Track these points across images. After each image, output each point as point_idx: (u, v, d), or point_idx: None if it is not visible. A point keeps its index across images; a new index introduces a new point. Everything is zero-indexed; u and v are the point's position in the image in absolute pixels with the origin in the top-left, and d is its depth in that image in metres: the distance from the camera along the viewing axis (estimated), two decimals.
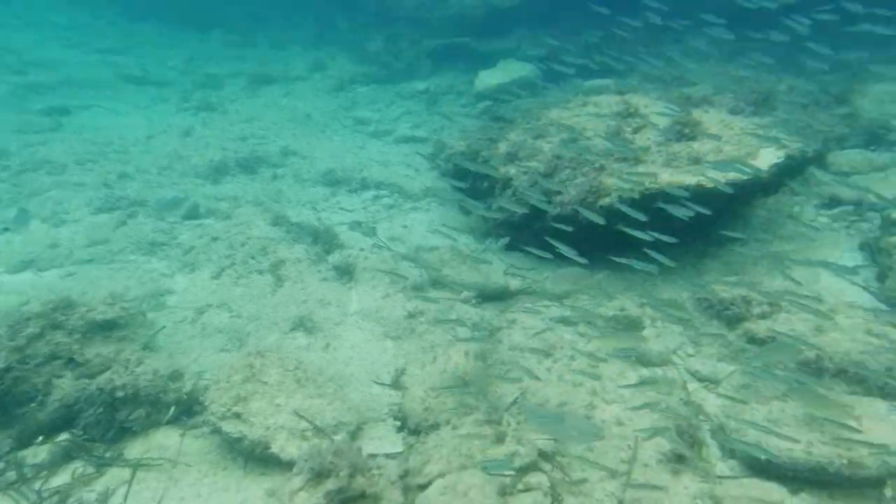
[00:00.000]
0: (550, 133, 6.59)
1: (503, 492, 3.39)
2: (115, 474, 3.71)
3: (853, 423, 3.31)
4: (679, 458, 3.47)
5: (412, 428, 4.08)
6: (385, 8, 15.01)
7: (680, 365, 4.44)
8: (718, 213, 5.11)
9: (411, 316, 5.34)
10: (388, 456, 3.81)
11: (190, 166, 8.88)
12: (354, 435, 4.00)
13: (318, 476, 3.27)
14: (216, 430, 3.87)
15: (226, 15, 18.21)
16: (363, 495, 3.27)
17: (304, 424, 3.88)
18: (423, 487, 3.45)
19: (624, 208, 4.44)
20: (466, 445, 3.65)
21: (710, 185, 4.76)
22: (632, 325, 4.86)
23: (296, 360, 4.45)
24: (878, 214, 5.97)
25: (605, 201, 5.37)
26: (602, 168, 5.62)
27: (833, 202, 6.42)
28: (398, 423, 4.18)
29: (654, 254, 4.35)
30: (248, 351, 4.57)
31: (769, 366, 4.07)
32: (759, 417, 3.55)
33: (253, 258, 6.34)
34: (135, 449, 3.88)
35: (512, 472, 3.46)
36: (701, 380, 4.25)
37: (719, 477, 3.41)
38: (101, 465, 3.73)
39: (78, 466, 3.75)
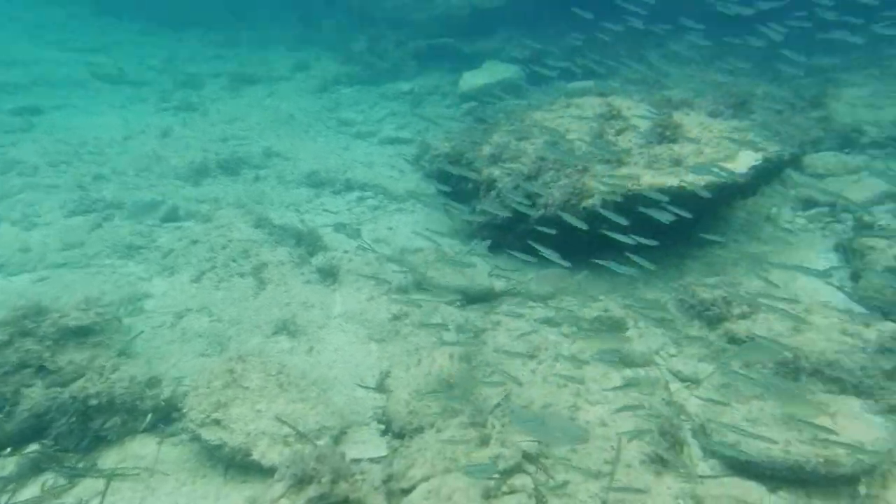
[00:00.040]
0: (534, 135, 6.61)
1: (487, 495, 3.38)
2: (89, 485, 3.60)
3: (828, 422, 3.37)
4: (661, 459, 3.50)
5: (396, 431, 4.05)
6: (369, 8, 14.97)
7: (662, 365, 4.48)
8: (699, 215, 5.19)
9: (396, 318, 5.31)
10: (371, 460, 3.78)
11: (169, 168, 8.71)
12: (338, 439, 3.96)
13: (300, 482, 3.22)
14: (195, 438, 3.79)
15: (206, 14, 17.97)
16: (346, 501, 3.23)
17: (286, 430, 3.82)
18: (406, 492, 3.43)
19: (606, 213, 4.47)
20: (451, 449, 3.63)
21: (690, 188, 4.82)
22: (615, 326, 4.89)
23: (278, 364, 4.40)
24: (851, 216, 6.12)
25: (589, 203, 5.40)
26: (585, 170, 5.66)
27: (809, 204, 6.56)
28: (382, 427, 4.15)
29: (634, 257, 4.40)
30: (228, 356, 4.49)
31: (748, 365, 4.13)
32: (738, 417, 3.60)
33: (234, 261, 6.23)
34: (110, 458, 3.78)
35: (496, 475, 3.45)
36: (683, 380, 4.30)
37: (701, 477, 3.45)
38: (73, 477, 3.62)
39: (48, 478, 3.63)
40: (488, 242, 6.31)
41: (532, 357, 4.59)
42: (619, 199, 5.02)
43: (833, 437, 3.24)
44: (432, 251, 6.17)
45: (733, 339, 4.46)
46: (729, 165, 5.34)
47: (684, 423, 3.87)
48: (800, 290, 4.99)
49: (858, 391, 3.72)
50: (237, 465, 3.71)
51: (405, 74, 13.09)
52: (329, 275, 6.00)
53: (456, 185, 6.89)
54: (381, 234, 6.96)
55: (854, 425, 3.40)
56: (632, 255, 4.40)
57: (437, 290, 5.67)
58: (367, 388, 4.51)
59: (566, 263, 4.56)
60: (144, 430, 3.94)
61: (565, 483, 3.40)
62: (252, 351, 4.85)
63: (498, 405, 4.13)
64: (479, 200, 6.56)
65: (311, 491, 3.17)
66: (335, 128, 10.92)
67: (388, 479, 3.49)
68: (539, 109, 7.30)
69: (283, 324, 5.21)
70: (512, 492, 3.39)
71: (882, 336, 4.06)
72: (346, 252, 6.30)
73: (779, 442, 3.34)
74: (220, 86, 13.29)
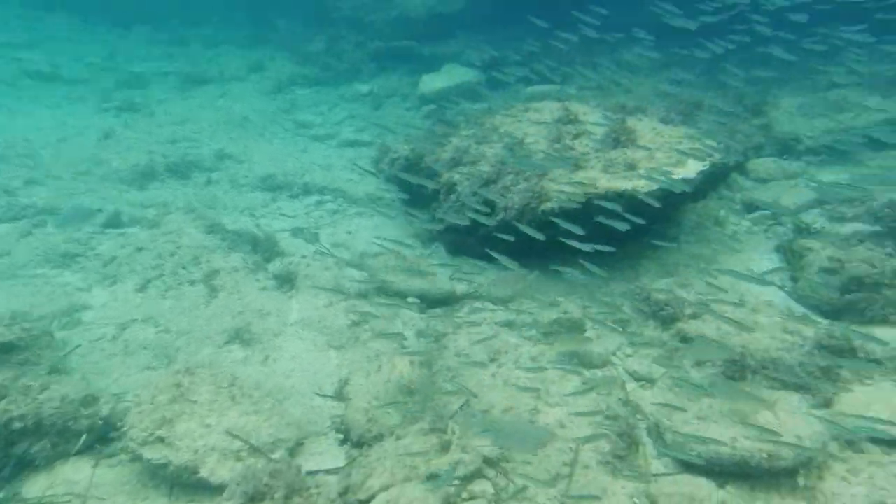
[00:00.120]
0: (494, 139, 6.65)
1: (447, 501, 3.32)
2: None
3: (770, 417, 3.52)
4: (618, 459, 3.56)
5: (355, 440, 3.96)
6: (326, 9, 14.73)
7: (619, 365, 4.57)
8: (653, 219, 5.34)
9: (355, 324, 5.19)
10: (328, 472, 3.68)
11: (111, 171, 8.22)
12: (294, 451, 3.83)
13: (252, 500, 3.08)
14: (136, 458, 3.55)
15: (151, 10, 17.15)
16: None
17: (238, 444, 3.64)
18: (364, 503, 3.32)
19: (562, 223, 4.54)
20: (411, 456, 3.56)
21: (643, 196, 4.95)
22: (574, 328, 4.96)
23: (230, 376, 4.22)
24: (791, 219, 6.47)
25: (548, 206, 5.47)
26: (544, 174, 5.73)
27: (753, 207, 6.90)
28: (341, 436, 4.05)
29: (587, 265, 4.49)
30: (176, 368, 4.26)
31: (699, 363, 4.27)
32: (690, 415, 3.70)
33: (184, 268, 5.93)
34: (37, 485, 3.49)
35: (456, 482, 3.40)
36: (638, 379, 4.40)
37: (654, 475, 3.52)
38: None
39: None
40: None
41: (493, 360, 4.57)
42: (576, 205, 5.10)
43: (774, 435, 3.38)
44: (393, 255, 6.09)
45: (685, 339, 4.61)
46: (679, 170, 5.53)
47: (640, 423, 3.95)
48: (746, 290, 5.22)
49: (798, 387, 3.91)
50: (183, 484, 3.51)
51: (364, 76, 12.94)
52: (286, 281, 5.83)
53: (416, 188, 6.84)
54: (340, 238, 6.82)
55: (793, 420, 3.57)
56: (585, 263, 4.49)
57: (398, 295, 5.59)
58: (325, 396, 4.39)
59: (523, 270, 4.59)
60: (78, 453, 3.66)
61: (525, 487, 3.39)
62: (202, 362, 4.62)
63: (459, 410, 4.09)
64: (439, 204, 6.54)
65: None
66: (292, 130, 10.64)
67: (344, 492, 3.39)
68: (498, 113, 7.35)
69: (236, 333, 5.01)
70: (472, 498, 3.35)
71: (819, 334, 4.29)
72: (304, 257, 6.13)
73: (727, 440, 3.46)
74: (167, 86, 12.72)
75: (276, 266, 6.00)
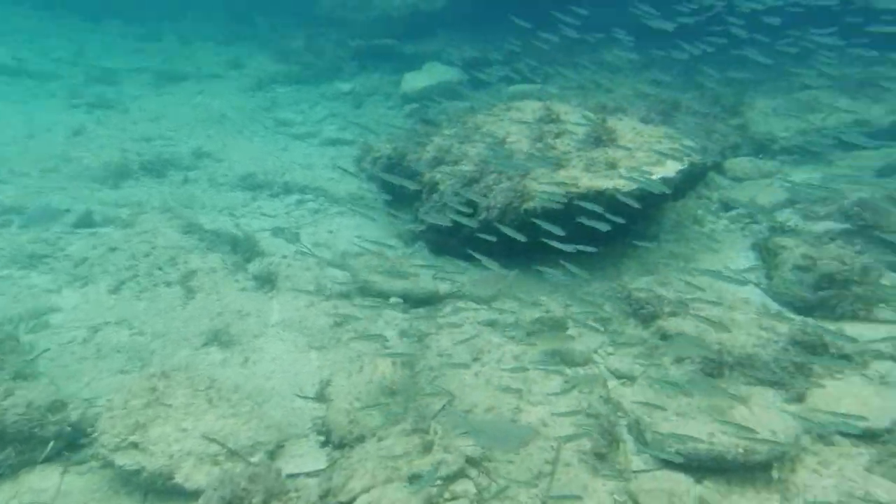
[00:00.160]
0: (476, 138, 6.64)
1: (429, 502, 3.30)
2: None
3: (745, 412, 3.58)
4: (599, 456, 3.58)
5: (337, 442, 3.92)
6: (306, 7, 14.55)
7: (601, 363, 4.61)
8: (634, 219, 5.39)
9: (337, 325, 5.13)
10: (309, 474, 3.62)
11: (82, 168, 7.97)
12: (273, 454, 3.77)
13: None
14: (108, 464, 3.45)
15: (122, 3, 16.64)
16: None
17: (215, 448, 3.56)
18: None
19: (542, 224, 4.57)
20: (392, 457, 3.53)
21: (622, 197, 4.98)
22: (557, 327, 4.98)
23: (208, 378, 4.14)
24: (767, 217, 6.61)
25: (530, 205, 5.48)
26: (526, 173, 5.74)
27: (730, 206, 7.04)
28: (322, 438, 4.00)
29: (568, 265, 4.54)
30: (150, 371, 4.16)
31: (679, 360, 4.33)
32: (669, 412, 3.74)
33: (160, 269, 5.78)
34: (1, 494, 3.36)
35: (439, 483, 3.38)
36: (619, 377, 4.44)
37: (634, 472, 3.56)
38: None
39: None
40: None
41: (475, 360, 4.57)
42: (558, 205, 5.12)
43: (750, 431, 3.45)
44: (375, 255, 6.04)
45: (665, 336, 4.66)
46: (659, 170, 5.60)
47: (620, 420, 3.98)
48: (723, 288, 5.31)
49: (772, 382, 3.99)
50: (158, 490, 3.42)
51: (345, 74, 12.82)
52: (266, 281, 5.74)
53: (398, 188, 6.79)
54: (321, 238, 6.73)
55: (768, 414, 3.64)
56: (566, 264, 4.54)
57: (380, 295, 5.55)
58: (306, 398, 4.34)
59: (503, 270, 4.61)
60: (46, 460, 3.53)
61: (507, 487, 3.39)
62: (178, 365, 4.52)
63: (441, 410, 4.07)
64: (421, 203, 6.50)
65: None
66: (272, 128, 10.47)
67: (325, 494, 3.34)
68: (480, 112, 7.35)
69: (214, 334, 4.91)
70: (454, 498, 3.34)
71: (793, 330, 4.39)
72: (284, 257, 6.05)
73: (704, 436, 3.51)
74: (141, 82, 12.39)
75: (256, 266, 5.90)
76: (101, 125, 9.75)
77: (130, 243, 6.17)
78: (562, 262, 4.56)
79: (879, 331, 4.55)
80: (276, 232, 6.79)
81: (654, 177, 5.50)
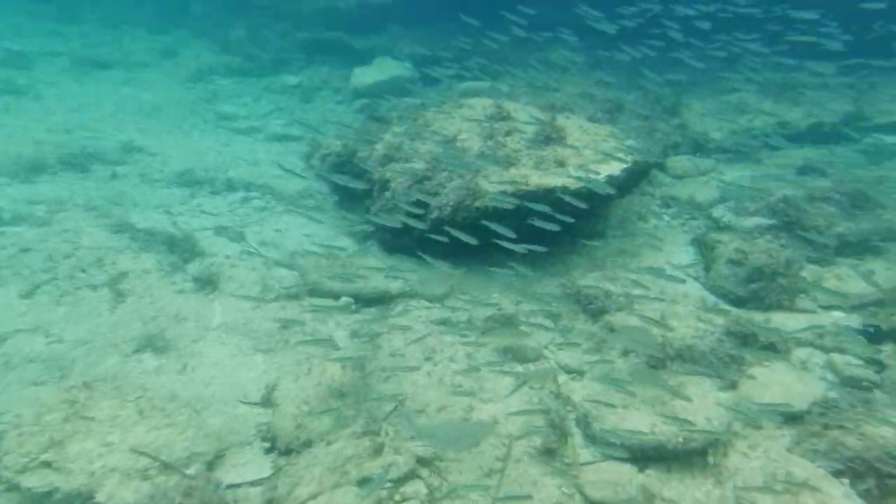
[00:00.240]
0: (427, 135, 6.59)
1: None
2: None
3: (685, 402, 3.76)
4: (549, 451, 3.66)
5: (283, 448, 3.79)
6: None
7: (551, 359, 4.69)
8: (583, 216, 5.52)
9: (285, 327, 4.95)
10: (252, 483, 3.49)
11: None
12: (212, 465, 3.59)
13: None
14: (13, 487, 3.16)
15: None
16: None
17: (146, 462, 3.33)
18: None
19: (493, 225, 4.61)
20: (341, 461, 3.45)
21: (570, 198, 5.09)
22: (508, 323, 5.03)
23: (139, 387, 3.92)
24: (704, 213, 6.98)
25: (482, 203, 5.49)
26: (478, 171, 5.75)
27: (671, 202, 7.37)
28: (267, 445, 3.86)
29: (517, 266, 4.64)
30: (70, 383, 3.85)
31: (626, 352, 4.48)
32: (615, 405, 3.86)
33: (83, 271, 5.37)
34: None
35: (389, 485, 3.34)
36: (569, 372, 4.54)
37: (582, 464, 3.66)
38: None
39: None
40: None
41: (428, 359, 4.53)
42: (509, 205, 5.16)
43: (688, 421, 3.63)
44: (326, 254, 5.88)
45: (613, 331, 4.81)
46: (605, 168, 5.77)
47: (570, 414, 4.08)
48: (666, 283, 5.54)
49: (709, 372, 4.21)
50: None
51: (292, 67, 12.40)
52: (207, 283, 5.47)
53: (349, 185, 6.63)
54: (268, 237, 6.47)
55: (704, 403, 3.84)
56: (515, 265, 4.62)
57: (330, 295, 5.41)
58: (250, 403, 4.16)
59: (450, 268, 4.61)
60: None
61: (458, 486, 3.39)
62: (104, 375, 4.23)
63: (393, 410, 4.01)
64: (373, 201, 6.39)
65: None
66: (213, 122, 9.96)
67: (269, 503, 3.21)
68: (431, 109, 7.30)
69: (147, 340, 4.63)
70: (404, 500, 3.31)
71: (727, 322, 4.65)
72: (227, 257, 5.78)
73: (647, 428, 3.66)
74: (58, 68, 11.43)
75: (196, 267, 5.62)
76: (11, 113, 8.92)
77: (47, 243, 5.69)
78: (511, 263, 4.64)
79: (800, 320, 4.91)
80: (219, 231, 6.47)
81: (600, 175, 5.67)
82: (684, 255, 6.25)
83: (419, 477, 3.49)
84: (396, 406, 4.05)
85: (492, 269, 4.73)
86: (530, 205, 4.88)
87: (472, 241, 4.57)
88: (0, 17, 13.64)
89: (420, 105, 8.01)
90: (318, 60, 12.46)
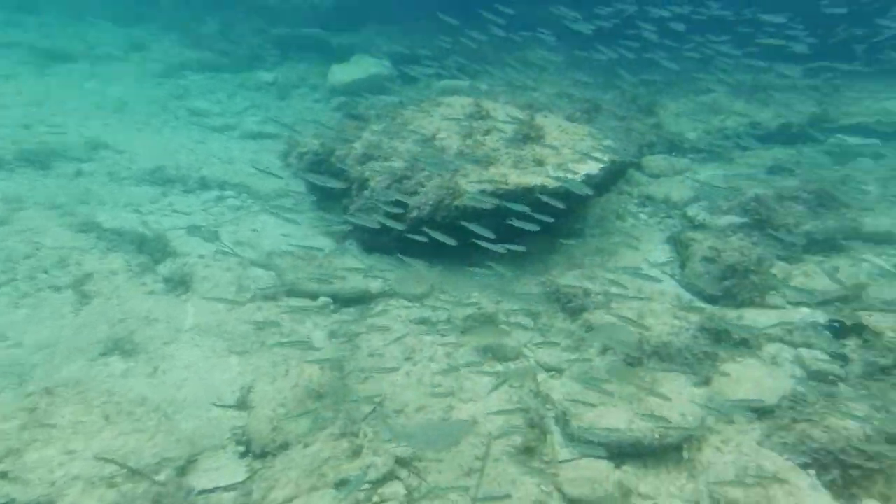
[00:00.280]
0: (406, 133, 6.54)
1: None
2: None
3: (661, 398, 3.82)
4: (528, 450, 3.67)
5: (258, 452, 3.71)
6: None
7: (531, 357, 4.71)
8: (562, 215, 5.56)
9: (261, 328, 4.85)
10: (226, 488, 3.41)
11: None
12: (184, 470, 3.49)
13: None
14: None
15: None
16: None
17: (112, 469, 3.23)
18: None
19: (471, 226, 4.60)
20: (319, 464, 3.39)
21: (548, 198, 5.12)
22: (488, 322, 5.03)
23: (105, 392, 3.79)
24: (679, 212, 7.11)
25: (461, 201, 5.48)
26: (457, 170, 5.73)
27: (648, 200, 7.49)
28: (242, 449, 3.77)
29: (495, 266, 4.67)
30: (29, 389, 3.69)
31: (604, 350, 4.53)
32: (593, 402, 3.89)
33: (45, 273, 5.16)
34: None
35: (367, 487, 3.30)
36: (548, 370, 4.56)
37: (560, 462, 3.67)
38: None
39: None
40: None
41: (407, 359, 4.50)
42: (488, 204, 5.16)
43: (664, 417, 3.69)
44: (304, 253, 5.79)
45: (591, 329, 4.86)
46: (583, 167, 5.82)
47: (549, 412, 4.10)
48: (643, 281, 5.62)
49: (684, 368, 4.29)
50: None
51: (267, 64, 12.17)
52: (180, 284, 5.33)
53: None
54: (244, 236, 6.34)
55: (679, 399, 3.90)
56: (493, 265, 4.63)
57: (308, 295, 5.32)
58: (224, 406, 4.07)
59: (425, 268, 4.59)
60: None
61: (437, 487, 3.38)
62: (67, 380, 4.07)
63: (372, 411, 3.97)
64: (351, 200, 6.31)
65: None
66: (185, 118, 9.70)
67: None
68: (410, 108, 7.25)
69: (115, 343, 4.48)
70: (383, 501, 3.28)
71: (702, 318, 4.74)
72: (201, 257, 5.64)
73: (623, 424, 3.70)
74: (15, 59, 10.94)
75: (167, 268, 5.48)
76: None
77: (6, 243, 5.46)
78: (489, 263, 4.64)
79: (770, 316, 5.05)
80: (192, 230, 6.30)
81: (579, 174, 5.71)
82: (661, 253, 6.36)
83: (398, 478, 3.46)
84: (374, 408, 4.01)
85: (471, 269, 4.72)
86: (509, 205, 4.89)
87: (451, 241, 4.55)
88: None
89: (398, 103, 7.95)
90: (295, 57, 12.26)
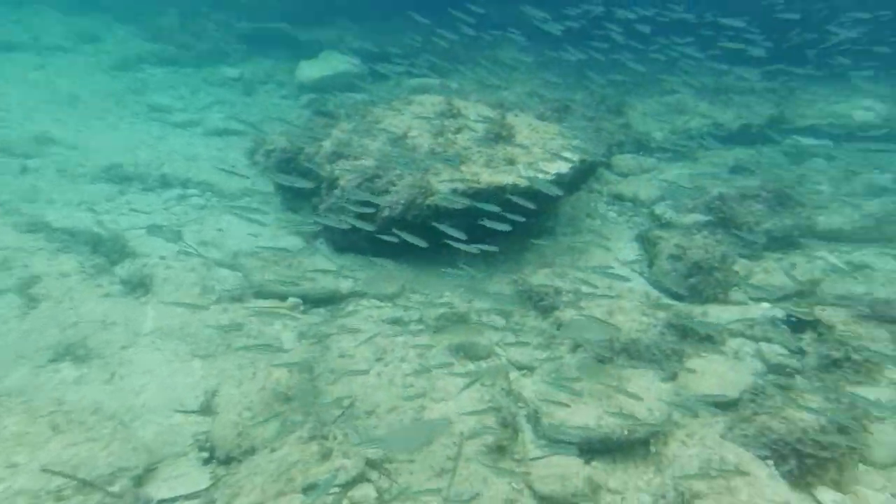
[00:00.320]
0: (376, 132, 6.45)
1: None
2: None
3: (629, 394, 3.88)
4: (500, 448, 3.67)
5: (222, 458, 3.60)
6: None
7: (502, 355, 4.72)
8: (533, 213, 5.59)
9: (226, 330, 4.69)
10: (187, 497, 3.30)
11: None
12: (141, 480, 3.35)
13: None
14: None
15: None
16: None
17: (60, 482, 3.05)
18: None
19: (443, 227, 4.58)
20: (286, 468, 3.30)
21: (518, 199, 5.14)
22: (460, 321, 5.01)
23: (54, 400, 3.62)
24: (647, 210, 7.27)
25: (433, 200, 5.43)
26: (428, 169, 5.68)
27: (617, 199, 7.62)
28: (205, 455, 3.65)
29: (465, 267, 4.69)
30: None
31: (574, 348, 4.57)
32: (563, 399, 3.92)
33: None
34: None
35: (336, 490, 3.23)
36: (520, 368, 4.57)
37: (531, 459, 3.69)
38: None
39: None
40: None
41: (378, 359, 4.43)
42: (460, 204, 5.13)
43: (632, 413, 3.74)
44: (272, 253, 5.64)
45: (562, 326, 4.89)
46: (554, 166, 5.86)
47: (520, 410, 4.11)
48: (613, 279, 5.70)
49: (651, 364, 4.37)
50: None
51: (232, 59, 11.81)
52: (139, 286, 5.12)
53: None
54: (208, 236, 6.13)
55: (647, 395, 3.97)
56: (464, 266, 4.65)
57: (277, 296, 5.18)
58: (186, 412, 3.92)
59: (392, 267, 4.54)
60: None
61: (408, 488, 3.33)
62: (10, 389, 3.86)
63: (342, 413, 3.89)
64: (321, 200, 6.18)
65: None
66: (144, 114, 9.32)
67: None
68: (381, 105, 7.16)
69: (66, 348, 4.27)
70: None
71: (668, 315, 4.85)
72: (162, 258, 5.43)
73: (592, 421, 3.75)
74: None
75: (125, 269, 5.25)
76: None
77: None
78: (461, 264, 4.62)
79: (733, 312, 5.21)
80: (153, 230, 6.05)
81: (549, 172, 5.75)
82: (630, 251, 6.47)
83: (368, 480, 3.40)
84: (345, 410, 3.93)
85: (443, 270, 4.71)
86: (480, 205, 4.88)
87: (422, 243, 4.51)
88: None
89: (369, 101, 7.84)
90: (261, 52, 11.95)
